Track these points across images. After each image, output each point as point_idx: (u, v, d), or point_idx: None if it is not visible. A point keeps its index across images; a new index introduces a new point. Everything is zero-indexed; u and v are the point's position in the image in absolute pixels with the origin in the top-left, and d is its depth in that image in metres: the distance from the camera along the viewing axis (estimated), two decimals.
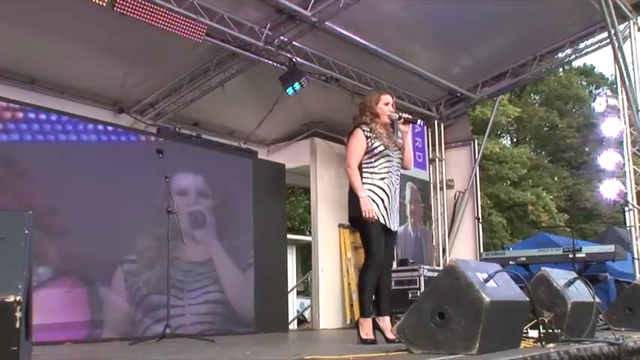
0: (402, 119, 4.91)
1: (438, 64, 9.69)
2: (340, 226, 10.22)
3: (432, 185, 10.97)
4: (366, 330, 4.64)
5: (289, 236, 12.04)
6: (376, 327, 4.70)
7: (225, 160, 8.25)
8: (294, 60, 8.20)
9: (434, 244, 10.64)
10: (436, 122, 10.98)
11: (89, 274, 6.61)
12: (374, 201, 4.74)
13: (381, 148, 4.84)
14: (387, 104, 4.94)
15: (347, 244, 10.34)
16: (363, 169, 4.84)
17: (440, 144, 11.09)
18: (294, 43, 8.16)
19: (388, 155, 4.85)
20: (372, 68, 9.19)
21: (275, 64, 8.24)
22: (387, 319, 4.76)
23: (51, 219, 6.30)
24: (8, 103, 6.36)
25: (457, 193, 11.05)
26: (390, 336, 4.51)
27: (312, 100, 9.30)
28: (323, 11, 7.52)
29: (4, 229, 2.33)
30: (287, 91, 8.19)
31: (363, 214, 4.67)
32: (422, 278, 9.02)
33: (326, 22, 7.76)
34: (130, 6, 6.53)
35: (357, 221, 4.81)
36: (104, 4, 6.31)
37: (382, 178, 4.81)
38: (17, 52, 7.28)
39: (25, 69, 7.66)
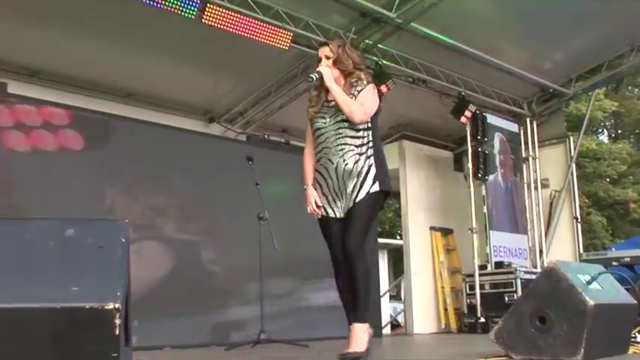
0: (314, 79, 3.87)
1: (527, 59, 9.40)
2: (432, 229, 10.10)
3: (525, 184, 10.64)
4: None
5: (380, 240, 11.97)
6: None
7: None
8: (380, 63, 8.15)
9: (530, 245, 10.31)
10: (528, 120, 10.64)
11: (185, 280, 6.77)
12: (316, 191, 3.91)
13: (311, 123, 3.97)
14: (319, 61, 3.95)
15: (439, 247, 10.20)
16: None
17: (533, 142, 10.73)
18: (379, 45, 8.12)
19: (320, 128, 3.89)
20: (460, 67, 9.01)
21: None
22: (353, 327, 3.72)
23: (148, 229, 6.50)
24: (105, 116, 6.63)
25: (553, 193, 10.66)
26: (349, 349, 3.61)
27: (399, 102, 9.21)
28: (408, 12, 7.44)
29: (102, 237, 2.39)
30: None
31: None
32: (519, 281, 8.75)
33: (411, 23, 7.67)
34: (217, 17, 6.68)
35: None
36: (193, 17, 6.48)
37: (318, 159, 3.92)
38: (114, 68, 7.59)
39: (121, 83, 7.98)
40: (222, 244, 7.21)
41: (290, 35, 7.19)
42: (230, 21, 6.77)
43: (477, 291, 9.10)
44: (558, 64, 9.74)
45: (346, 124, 3.80)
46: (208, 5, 6.60)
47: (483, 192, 9.54)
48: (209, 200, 7.20)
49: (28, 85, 7.15)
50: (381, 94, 3.90)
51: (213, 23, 6.68)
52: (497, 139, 10.14)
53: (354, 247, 3.71)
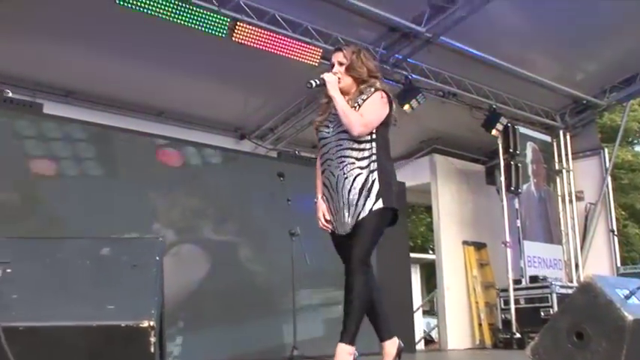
0: (313, 85, 3.74)
1: (559, 71, 9.31)
2: (464, 243, 10.02)
3: (559, 197, 10.50)
4: None
5: (412, 255, 11.89)
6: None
7: None
8: (409, 77, 8.14)
9: (565, 259, 10.15)
10: (561, 132, 10.51)
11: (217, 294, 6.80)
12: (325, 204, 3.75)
13: (317, 132, 3.79)
14: (332, 67, 3.81)
15: (472, 261, 10.11)
16: None
17: (566, 154, 10.60)
18: (409, 60, 8.11)
19: (323, 138, 3.72)
20: (490, 80, 8.96)
21: (391, 82, 8.21)
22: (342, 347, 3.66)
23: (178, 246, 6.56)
24: (139, 135, 6.72)
25: (588, 205, 10.50)
26: None
27: (430, 116, 9.18)
28: (437, 26, 7.42)
29: (137, 256, 2.42)
30: (404, 108, 8.13)
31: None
32: (554, 295, 8.62)
33: (441, 37, 7.66)
34: (247, 35, 6.74)
35: None
36: (223, 35, 6.56)
37: (323, 171, 3.72)
38: (146, 86, 7.72)
39: (153, 102, 8.11)
40: (254, 260, 7.22)
41: (319, 51, 7.22)
42: (260, 38, 6.82)
43: (512, 306, 8.98)
44: (591, 75, 9.62)
45: (347, 135, 3.59)
46: (238, 23, 6.67)
47: (516, 205, 9.43)
48: (241, 216, 7.23)
49: (63, 105, 7.30)
50: (391, 103, 3.74)
51: (243, 41, 6.75)
52: (529, 149, 10.04)
53: (357, 265, 3.50)
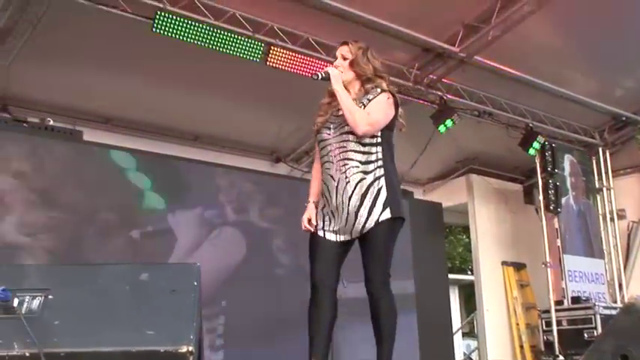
0: (319, 77, 3.59)
1: (597, 88, 9.18)
2: (504, 263, 9.90)
3: (600, 216, 10.30)
4: None
5: (450, 276, 11.78)
6: None
7: None
8: (444, 97, 8.11)
9: (608, 279, 9.93)
10: (600, 150, 10.33)
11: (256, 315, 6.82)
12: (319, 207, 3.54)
13: (317, 134, 3.59)
14: (336, 59, 3.68)
15: (512, 282, 9.98)
16: None
17: (606, 172, 10.41)
18: (443, 80, 8.09)
19: (324, 139, 3.51)
20: (527, 98, 8.87)
21: (425, 103, 8.19)
22: None
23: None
24: (177, 160, 6.82)
25: (630, 224, 10.29)
26: None
27: (466, 136, 9.12)
28: (471, 46, 7.39)
29: (175, 281, 2.45)
30: (439, 129, 8.09)
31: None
32: (598, 316, 8.42)
33: (475, 57, 7.63)
34: (281, 59, 6.81)
35: None
36: (258, 60, 6.63)
37: (322, 175, 3.54)
38: (181, 112, 7.81)
39: (188, 127, 8.20)
40: (290, 282, 7.21)
41: None
42: (294, 62, 6.88)
43: (554, 327, 8.81)
44: (630, 91, 9.47)
45: (351, 137, 3.37)
46: (272, 48, 6.74)
47: (556, 225, 9.28)
48: (278, 237, 7.25)
49: (102, 132, 7.43)
50: (397, 106, 3.54)
51: (277, 65, 6.81)
52: (567, 161, 9.89)
53: (380, 286, 3.32)
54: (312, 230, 3.46)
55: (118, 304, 2.37)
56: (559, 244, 9.24)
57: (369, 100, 3.44)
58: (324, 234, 3.42)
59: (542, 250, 9.18)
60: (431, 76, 7.91)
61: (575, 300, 8.96)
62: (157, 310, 2.35)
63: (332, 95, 3.54)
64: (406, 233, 8.28)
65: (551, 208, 9.13)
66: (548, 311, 8.97)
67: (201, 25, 6.24)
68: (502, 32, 7.15)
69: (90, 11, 5.89)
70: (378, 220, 3.31)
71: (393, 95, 3.53)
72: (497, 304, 9.72)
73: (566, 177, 9.80)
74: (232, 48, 6.46)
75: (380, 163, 3.39)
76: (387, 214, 3.32)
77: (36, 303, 2.38)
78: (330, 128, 3.48)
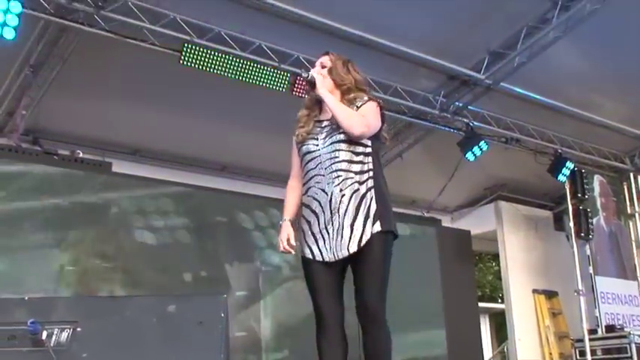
0: (307, 77, 3.46)
1: (626, 112, 9.06)
2: (535, 291, 9.77)
3: (634, 243, 10.10)
4: None
5: (481, 304, 11.62)
6: None
7: (409, 229, 8.19)
8: (471, 124, 8.07)
9: None
10: (632, 175, 10.18)
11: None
12: (302, 228, 3.22)
13: (300, 146, 3.37)
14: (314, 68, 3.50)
15: (544, 310, 9.81)
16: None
17: (638, 198, 10.23)
18: (469, 107, 8.06)
19: (310, 151, 3.28)
20: (555, 124, 8.80)
21: (452, 130, 8.16)
22: None
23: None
24: (205, 190, 6.87)
25: None
26: None
27: (493, 162, 9.05)
28: (497, 73, 7.38)
29: (202, 313, 2.43)
30: (466, 156, 8.04)
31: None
32: (633, 345, 8.21)
33: (501, 83, 7.60)
34: (306, 89, 6.82)
35: None
36: (284, 90, 6.67)
37: (307, 190, 3.23)
38: (208, 142, 7.88)
39: (216, 157, 8.25)
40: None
41: (379, 102, 7.25)
42: None
43: (589, 357, 8.59)
44: None
45: (344, 146, 3.16)
46: (298, 78, 6.77)
47: (587, 251, 9.12)
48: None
49: (130, 164, 7.50)
50: (383, 117, 3.36)
51: (302, 94, 6.84)
52: (596, 182, 9.76)
53: (376, 308, 3.00)
54: (292, 252, 3.18)
55: (146, 336, 2.36)
56: (591, 270, 9.07)
57: (357, 108, 3.28)
58: (314, 256, 3.13)
59: (574, 277, 9.00)
60: (457, 103, 7.89)
61: (610, 328, 8.76)
62: (184, 343, 2.34)
63: (310, 107, 3.46)
64: (434, 261, 8.20)
65: (582, 234, 8.99)
66: (581, 340, 8.76)
67: (227, 57, 6.31)
68: (528, 59, 7.14)
69: (118, 45, 6.00)
70: (371, 232, 3.06)
71: (381, 106, 3.37)
72: (529, 333, 9.56)
73: (596, 197, 9.67)
74: (258, 78, 6.52)
75: (371, 174, 3.19)
76: (377, 227, 3.07)
77: (64, 335, 2.38)
78: (316, 139, 3.27)
